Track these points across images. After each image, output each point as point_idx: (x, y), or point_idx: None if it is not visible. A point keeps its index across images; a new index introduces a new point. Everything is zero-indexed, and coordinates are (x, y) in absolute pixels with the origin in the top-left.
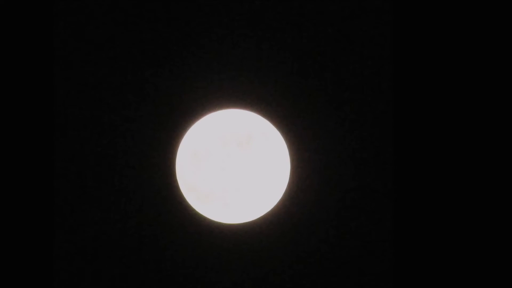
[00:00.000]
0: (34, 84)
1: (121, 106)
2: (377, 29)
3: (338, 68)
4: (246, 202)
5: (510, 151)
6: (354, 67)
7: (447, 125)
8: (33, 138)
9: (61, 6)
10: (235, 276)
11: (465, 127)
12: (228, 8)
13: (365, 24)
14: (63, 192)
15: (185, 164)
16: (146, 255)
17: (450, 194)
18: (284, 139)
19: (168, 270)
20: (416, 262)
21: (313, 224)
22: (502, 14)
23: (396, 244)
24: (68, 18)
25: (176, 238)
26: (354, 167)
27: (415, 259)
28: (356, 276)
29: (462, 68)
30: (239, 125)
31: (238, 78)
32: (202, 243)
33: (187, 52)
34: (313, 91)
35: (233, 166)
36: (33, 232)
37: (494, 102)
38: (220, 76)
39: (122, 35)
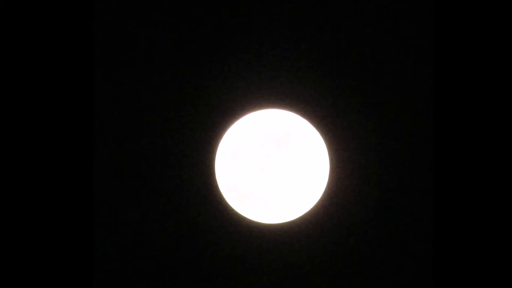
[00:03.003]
0: (74, 84)
1: (161, 106)
2: (416, 28)
3: (377, 68)
4: (285, 202)
5: None
6: (394, 67)
7: (488, 124)
8: (72, 138)
9: (101, 5)
10: (274, 276)
11: (506, 126)
12: (268, 8)
13: (404, 23)
14: (102, 192)
15: (224, 164)
16: (185, 255)
17: (490, 194)
18: (323, 139)
19: (207, 270)
20: (456, 262)
21: (352, 224)
22: None
23: (436, 245)
24: (108, 18)
25: (215, 238)
26: (394, 166)
27: (455, 260)
28: (395, 277)
29: (504, 67)
30: (278, 125)
31: (277, 78)
32: (241, 243)
33: (227, 52)
34: (352, 91)
35: (272, 166)
36: (72, 231)
37: None
38: (259, 76)
39: (161, 35)
